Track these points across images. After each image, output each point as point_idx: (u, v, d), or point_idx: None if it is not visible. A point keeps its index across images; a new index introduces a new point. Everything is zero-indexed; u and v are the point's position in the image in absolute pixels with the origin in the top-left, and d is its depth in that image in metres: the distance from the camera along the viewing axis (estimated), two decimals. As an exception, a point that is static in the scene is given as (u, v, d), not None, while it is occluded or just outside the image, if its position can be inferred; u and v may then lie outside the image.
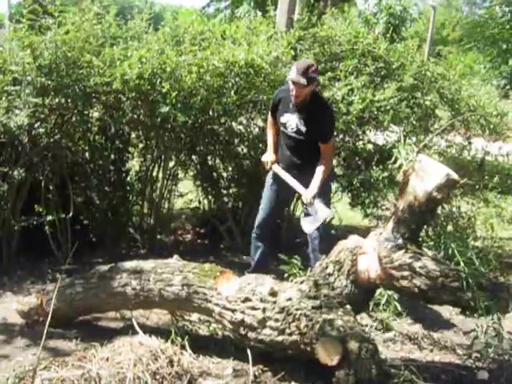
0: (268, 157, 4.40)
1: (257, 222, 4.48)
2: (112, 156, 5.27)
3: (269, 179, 4.46)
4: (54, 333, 3.61)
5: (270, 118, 4.49)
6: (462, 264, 3.11)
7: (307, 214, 4.12)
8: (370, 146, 5.56)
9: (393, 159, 3.41)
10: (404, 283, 3.10)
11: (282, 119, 4.28)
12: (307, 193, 4.08)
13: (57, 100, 4.66)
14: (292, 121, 4.22)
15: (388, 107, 5.05)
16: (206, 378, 3.20)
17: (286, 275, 3.95)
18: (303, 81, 3.97)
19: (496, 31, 14.08)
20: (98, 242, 5.28)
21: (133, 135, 5.45)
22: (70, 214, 4.85)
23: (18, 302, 3.90)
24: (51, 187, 4.86)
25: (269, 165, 4.36)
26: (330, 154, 4.29)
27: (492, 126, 5.76)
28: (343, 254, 3.20)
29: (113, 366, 3.02)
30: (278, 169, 4.31)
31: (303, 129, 4.18)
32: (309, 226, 4.11)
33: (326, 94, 4.94)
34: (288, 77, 4.11)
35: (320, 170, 4.15)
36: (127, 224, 5.50)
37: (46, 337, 3.44)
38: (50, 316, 2.62)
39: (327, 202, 4.28)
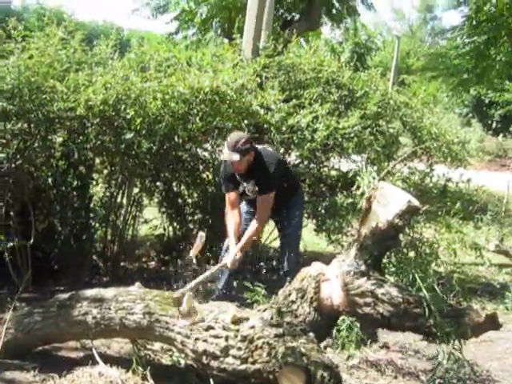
0: (232, 258, 4.19)
1: (223, 252, 4.49)
2: (75, 182, 5.21)
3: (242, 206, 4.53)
4: (10, 364, 3.50)
5: (231, 196, 4.39)
6: (423, 290, 3.13)
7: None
8: (334, 173, 5.61)
9: (355, 186, 3.45)
10: (367, 310, 3.11)
11: (240, 189, 4.36)
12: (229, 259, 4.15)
13: (19, 125, 4.61)
14: (248, 187, 4.32)
15: (352, 134, 5.11)
16: (168, 409, 3.14)
17: (249, 302, 3.92)
18: (235, 157, 4.07)
19: (457, 61, 14.44)
20: (61, 270, 5.18)
21: (97, 161, 5.40)
22: (31, 241, 4.76)
23: (-25, 332, 3.77)
24: (12, 213, 4.76)
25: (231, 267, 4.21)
26: (266, 207, 4.28)
27: (454, 154, 5.87)
28: (306, 281, 3.20)
29: (71, 397, 2.95)
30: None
31: (256, 189, 4.28)
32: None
33: (290, 122, 4.98)
34: (221, 157, 4.28)
35: (251, 229, 4.27)
36: (90, 251, 5.42)
37: (2, 368, 3.39)
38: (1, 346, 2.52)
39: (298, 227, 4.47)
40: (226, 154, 4.11)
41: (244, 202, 4.54)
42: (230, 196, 4.37)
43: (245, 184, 4.32)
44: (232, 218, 4.33)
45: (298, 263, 4.31)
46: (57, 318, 3.56)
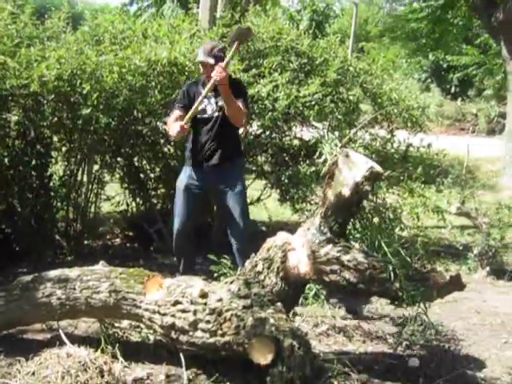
0: (175, 127, 4.06)
1: (174, 231, 4.38)
2: (33, 161, 5.08)
3: (180, 184, 4.35)
4: (-25, 349, 3.43)
5: (176, 113, 4.22)
6: (388, 255, 3.16)
7: None
8: (296, 142, 5.60)
9: (317, 154, 3.44)
10: (333, 277, 3.12)
11: (201, 106, 4.16)
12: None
13: (-30, 104, 4.46)
14: (207, 105, 4.19)
15: (313, 102, 5.10)
16: (139, 386, 3.12)
17: (216, 275, 3.90)
18: (211, 60, 4.03)
19: (415, 26, 14.48)
20: (22, 251, 5.08)
21: (55, 139, 5.27)
22: (-10, 224, 4.65)
23: None
24: (-32, 196, 4.64)
25: (182, 130, 4.06)
26: (243, 114, 4.16)
27: (414, 119, 5.92)
28: (272, 251, 3.19)
29: (39, 380, 2.90)
30: (186, 118, 4.08)
31: (222, 104, 4.12)
32: None
33: (250, 91, 4.93)
34: (196, 59, 4.20)
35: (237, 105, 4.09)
36: (52, 231, 5.32)
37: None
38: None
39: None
40: (202, 57, 4.10)
41: (186, 173, 4.34)
42: (178, 113, 4.18)
43: (211, 99, 4.17)
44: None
45: (250, 234, 4.31)
46: (20, 301, 3.48)
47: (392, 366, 3.45)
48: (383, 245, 3.25)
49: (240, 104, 4.09)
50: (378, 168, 3.13)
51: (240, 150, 4.50)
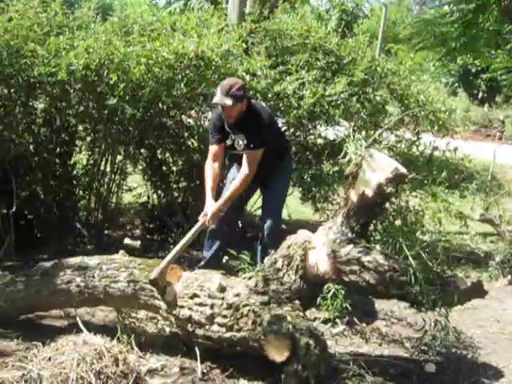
0: (208, 210, 3.98)
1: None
2: (58, 149, 5.12)
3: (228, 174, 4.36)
4: (-6, 332, 3.47)
5: (215, 149, 4.19)
6: (409, 258, 3.12)
7: None
8: (320, 141, 5.57)
9: (342, 154, 3.40)
10: (353, 278, 3.10)
11: (229, 142, 4.17)
12: (204, 210, 3.97)
13: (-1, 90, 4.50)
14: (237, 139, 4.11)
15: (339, 102, 5.06)
16: (153, 377, 3.13)
17: (234, 271, 3.90)
18: (228, 102, 3.87)
19: (445, 30, 14.31)
20: (44, 238, 5.12)
21: (80, 128, 5.31)
22: (14, 209, 4.69)
23: (-43, 300, 3.72)
24: (-7, 181, 4.69)
25: (208, 223, 3.98)
26: (252, 162, 4.06)
27: (441, 122, 5.84)
28: (292, 248, 3.17)
29: (55, 366, 2.91)
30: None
31: (247, 142, 4.06)
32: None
33: (276, 88, 4.91)
34: (213, 100, 4.00)
35: (234, 184, 4.05)
36: (74, 219, 5.36)
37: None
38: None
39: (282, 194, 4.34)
40: (218, 98, 3.89)
41: (233, 168, 4.38)
42: (214, 148, 4.17)
43: (233, 136, 4.12)
44: (210, 171, 4.11)
45: (277, 233, 4.21)
46: (40, 287, 3.53)
47: (408, 371, 3.42)
48: (404, 248, 3.21)
49: (247, 153, 4.03)
50: (402, 170, 3.10)
51: (284, 152, 4.43)
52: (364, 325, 4.05)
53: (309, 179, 5.22)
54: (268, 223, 4.23)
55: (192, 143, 5.34)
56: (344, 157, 3.38)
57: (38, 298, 3.54)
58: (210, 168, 4.14)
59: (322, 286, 3.33)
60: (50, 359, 2.99)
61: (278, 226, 4.33)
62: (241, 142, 4.09)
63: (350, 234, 3.14)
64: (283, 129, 5.40)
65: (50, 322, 3.76)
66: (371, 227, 3.45)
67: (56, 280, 3.46)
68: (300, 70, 5.18)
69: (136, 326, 3.60)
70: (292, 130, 5.36)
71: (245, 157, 4.06)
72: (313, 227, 3.50)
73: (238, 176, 4.09)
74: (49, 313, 3.79)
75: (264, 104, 4.42)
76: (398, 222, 4.17)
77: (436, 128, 5.87)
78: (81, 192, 5.38)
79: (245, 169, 4.04)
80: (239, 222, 5.33)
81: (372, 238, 3.40)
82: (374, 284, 3.07)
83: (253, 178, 4.13)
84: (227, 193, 4.08)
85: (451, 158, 5.85)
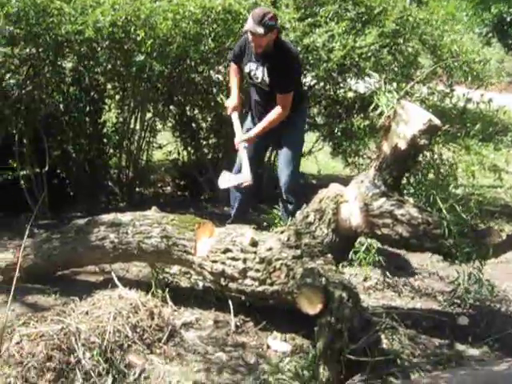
0: (229, 102, 4.21)
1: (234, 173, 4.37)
2: (87, 108, 5.12)
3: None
4: (32, 288, 3.56)
5: (233, 66, 4.27)
6: (443, 211, 3.08)
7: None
8: (350, 94, 5.47)
9: (373, 106, 3.34)
10: (385, 231, 3.08)
11: (246, 69, 4.12)
12: (237, 137, 4.02)
13: (27, 50, 4.48)
14: (256, 71, 4.06)
15: (369, 54, 4.93)
16: (188, 330, 3.19)
17: (266, 225, 3.91)
18: (260, 30, 3.78)
19: (479, -23, 13.85)
20: (76, 196, 5.19)
21: (109, 86, 5.30)
22: (46, 169, 4.74)
23: (-5, 258, 3.82)
24: (25, 141, 4.72)
25: (229, 111, 4.20)
26: (286, 105, 4.02)
27: (474, 73, 5.68)
28: (324, 202, 3.15)
29: (92, 319, 2.99)
30: (234, 117, 4.16)
31: (267, 79, 4.02)
32: (224, 181, 4.05)
33: (305, 41, 4.81)
34: (244, 27, 3.92)
35: (268, 118, 4.02)
36: (105, 177, 5.41)
37: (24, 292, 3.44)
38: (18, 271, 2.53)
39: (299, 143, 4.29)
40: (251, 26, 3.81)
41: (248, 120, 4.34)
42: (234, 65, 4.24)
43: (254, 66, 4.06)
44: (234, 76, 4.22)
45: (297, 188, 4.23)
46: (75, 243, 3.58)
47: (440, 323, 3.43)
48: (438, 200, 3.16)
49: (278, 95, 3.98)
50: (436, 121, 3.03)
51: (302, 101, 4.37)
52: (396, 278, 4.05)
53: (339, 133, 5.17)
54: (285, 179, 4.18)
55: (221, 99, 5.29)
56: (375, 109, 3.32)
57: (73, 254, 3.59)
58: (234, 75, 4.22)
59: (355, 240, 3.33)
60: (87, 313, 3.08)
61: (295, 180, 4.27)
62: (259, 75, 4.05)
63: (382, 187, 3.10)
64: (313, 83, 5.33)
65: (86, 277, 3.83)
66: (404, 180, 3.41)
67: (90, 237, 3.50)
68: (329, 21, 5.04)
69: (170, 280, 3.65)
70: (322, 83, 5.27)
71: (278, 100, 4.01)
72: (343, 182, 3.47)
73: (272, 111, 4.03)
74: (84, 269, 3.86)
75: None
76: (431, 175, 4.13)
77: (470, 79, 5.71)
78: (111, 150, 5.40)
79: (279, 107, 4.02)
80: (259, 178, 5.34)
81: (405, 191, 3.35)
82: (407, 237, 3.05)
83: (268, 131, 4.10)
84: (261, 123, 4.06)
85: (485, 110, 5.69)
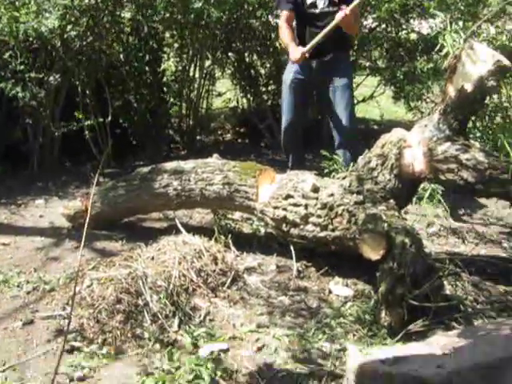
0: (296, 52, 3.97)
1: (282, 127, 4.31)
2: (147, 57, 5.15)
3: (286, 79, 4.21)
4: (100, 235, 3.67)
5: (287, 15, 4.07)
6: (511, 155, 2.98)
7: None
8: (413, 36, 5.28)
9: (438, 47, 3.22)
10: (450, 176, 2.99)
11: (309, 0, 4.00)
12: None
13: (86, 1, 4.51)
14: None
15: (434, -8, 4.73)
16: (251, 274, 3.24)
17: (327, 171, 3.88)
18: None
19: None
20: (139, 145, 5.29)
21: (167, 35, 5.31)
22: (109, 118, 4.84)
23: (64, 206, 3.95)
24: (88, 92, 4.81)
25: (301, 60, 3.98)
26: (356, 10, 3.91)
27: (548, 10, 5.37)
28: (387, 147, 3.08)
29: (158, 264, 3.08)
30: (308, 47, 3.96)
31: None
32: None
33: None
34: None
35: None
36: (166, 126, 5.48)
37: (92, 239, 3.57)
38: (88, 218, 2.61)
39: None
40: None
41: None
42: (287, 14, 4.06)
43: None
44: (287, 29, 4.05)
45: (356, 133, 4.17)
46: (139, 191, 3.66)
47: (506, 270, 3.35)
48: (506, 145, 3.05)
49: (349, 8, 3.81)
50: (506, 62, 2.89)
51: (349, 45, 4.33)
52: (461, 224, 3.97)
53: (401, 77, 5.03)
54: (345, 123, 4.10)
55: (280, 44, 5.22)
56: (440, 50, 3.20)
57: (138, 201, 3.68)
58: (286, 27, 4.07)
59: (418, 185, 3.27)
60: (153, 258, 3.16)
61: (355, 124, 4.23)
62: (320, 2, 3.98)
63: (447, 131, 3.01)
64: (374, 25, 5.18)
65: (151, 224, 3.93)
66: (470, 124, 3.30)
67: (154, 184, 3.57)
68: (392, -40, 4.86)
69: (232, 226, 3.70)
70: (383, 25, 5.12)
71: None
72: (406, 127, 3.39)
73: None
74: (148, 216, 3.96)
75: None
76: (498, 119, 3.98)
77: (543, 16, 5.41)
78: (172, 99, 5.44)
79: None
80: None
81: (471, 136, 3.25)
82: (472, 182, 2.95)
83: (311, 74, 4.06)
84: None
85: (559, 49, 5.41)
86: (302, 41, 4.07)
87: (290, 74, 4.18)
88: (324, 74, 4.09)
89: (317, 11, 4.01)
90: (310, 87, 4.26)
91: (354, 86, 4.77)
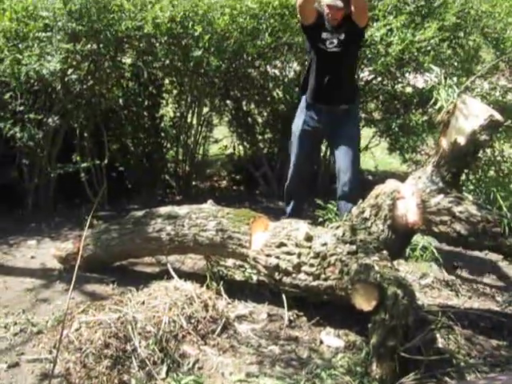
0: None
1: (289, 175, 4.33)
2: (146, 102, 5.23)
3: (295, 129, 4.24)
4: (91, 277, 3.66)
5: None
6: (504, 209, 3.00)
7: None
8: (409, 89, 5.37)
9: (432, 101, 3.28)
10: (443, 228, 3.02)
11: (324, 35, 4.02)
12: None
13: (89, 46, 4.60)
14: (331, 39, 4.00)
15: (429, 48, 4.82)
16: (242, 322, 3.21)
17: (321, 220, 3.89)
18: (340, 4, 3.80)
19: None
20: (134, 189, 5.31)
21: (166, 81, 5.40)
22: (106, 161, 4.86)
23: (56, 247, 3.94)
24: (86, 134, 4.86)
25: None
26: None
27: (539, 67, 5.50)
28: (380, 198, 3.11)
29: (148, 309, 3.05)
30: None
31: (344, 39, 3.97)
32: None
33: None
34: (324, 1, 3.89)
35: None
36: (162, 170, 5.52)
37: (83, 281, 3.55)
38: (79, 261, 2.61)
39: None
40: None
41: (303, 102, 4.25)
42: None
43: (329, 35, 4.00)
44: None
45: (359, 186, 4.14)
46: (132, 235, 3.65)
47: (499, 324, 3.33)
48: (498, 198, 3.08)
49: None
50: (498, 117, 2.95)
51: (358, 93, 4.37)
52: (454, 277, 3.96)
53: (396, 129, 5.07)
54: (349, 177, 4.08)
55: (277, 94, 5.31)
56: (435, 104, 3.25)
57: (131, 245, 3.67)
58: None
59: (411, 237, 3.28)
60: (143, 303, 3.14)
61: (358, 179, 4.21)
62: (335, 41, 4.00)
63: (440, 184, 3.04)
64: (370, 77, 5.27)
65: (143, 268, 3.91)
66: (463, 177, 3.33)
67: (148, 228, 3.57)
68: (388, 15, 4.97)
69: (224, 273, 3.68)
70: (379, 78, 5.20)
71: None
72: (400, 178, 3.42)
73: None
74: (141, 260, 3.94)
75: None
76: (491, 172, 4.02)
77: (534, 73, 5.53)
78: (169, 144, 5.50)
79: None
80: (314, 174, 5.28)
81: (464, 188, 3.28)
82: (465, 235, 2.97)
83: (320, 126, 4.10)
84: None
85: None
86: (313, 82, 4.12)
87: (299, 124, 4.23)
88: (333, 126, 4.12)
89: (328, 50, 4.03)
90: (319, 137, 4.32)
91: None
